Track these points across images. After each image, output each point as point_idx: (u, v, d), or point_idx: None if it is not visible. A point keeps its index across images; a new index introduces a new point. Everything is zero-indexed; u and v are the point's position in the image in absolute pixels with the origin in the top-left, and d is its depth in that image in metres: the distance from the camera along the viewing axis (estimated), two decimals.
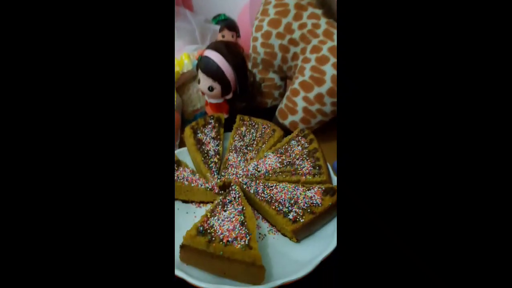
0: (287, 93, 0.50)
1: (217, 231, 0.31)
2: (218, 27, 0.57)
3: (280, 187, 0.38)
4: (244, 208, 0.34)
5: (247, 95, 0.50)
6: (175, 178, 0.38)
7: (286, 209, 0.35)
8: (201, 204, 0.40)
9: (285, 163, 0.42)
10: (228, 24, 0.65)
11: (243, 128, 0.48)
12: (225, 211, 0.34)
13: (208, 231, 0.30)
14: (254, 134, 0.48)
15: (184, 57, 0.50)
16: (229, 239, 0.30)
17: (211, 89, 0.46)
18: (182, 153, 0.45)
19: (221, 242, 0.29)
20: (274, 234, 0.37)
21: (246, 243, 0.29)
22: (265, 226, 0.38)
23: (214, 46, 0.46)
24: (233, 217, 0.32)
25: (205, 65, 0.45)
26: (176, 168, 0.39)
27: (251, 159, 0.44)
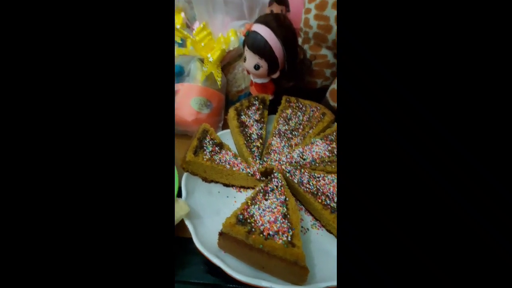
0: None
1: (257, 221, 0.28)
2: (267, 0, 0.53)
3: (328, 178, 0.34)
4: (287, 198, 0.31)
5: (295, 73, 0.46)
6: (217, 161, 0.37)
7: (334, 204, 0.32)
8: (242, 189, 0.38)
9: (335, 152, 0.38)
10: None
11: (289, 111, 0.44)
12: (266, 200, 0.31)
13: (248, 220, 0.29)
14: (301, 118, 0.44)
15: (231, 34, 0.47)
16: (270, 232, 0.27)
17: (257, 67, 0.43)
18: (225, 135, 0.44)
19: (261, 235, 0.27)
20: (318, 229, 0.34)
21: (289, 239, 0.26)
22: (308, 219, 0.35)
23: (263, 19, 0.42)
24: (275, 207, 0.30)
25: (252, 41, 0.42)
26: (218, 151, 0.38)
27: (296, 145, 0.40)
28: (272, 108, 0.46)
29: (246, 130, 0.41)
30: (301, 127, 0.43)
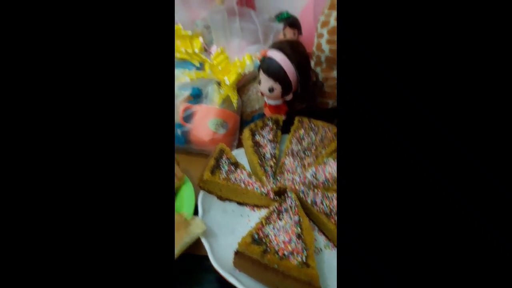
0: None
1: (272, 241, 0.29)
2: (281, 26, 0.56)
3: None
4: (301, 219, 0.32)
5: (308, 95, 0.47)
6: (233, 180, 0.38)
7: None
8: (255, 208, 0.39)
9: None
10: (290, 21, 0.63)
11: (302, 131, 0.46)
12: (280, 219, 0.32)
13: (263, 240, 0.29)
14: (314, 138, 0.45)
15: (247, 58, 0.50)
16: (285, 252, 0.28)
17: (271, 90, 0.45)
18: (239, 154, 0.45)
19: (276, 255, 0.28)
20: (332, 249, 0.34)
21: (304, 260, 0.27)
22: (321, 239, 0.36)
23: (278, 46, 0.44)
24: (289, 227, 0.31)
25: (267, 66, 0.44)
26: (234, 170, 0.40)
27: (309, 165, 0.41)
28: (285, 128, 0.47)
29: (260, 149, 0.43)
30: (314, 147, 0.44)
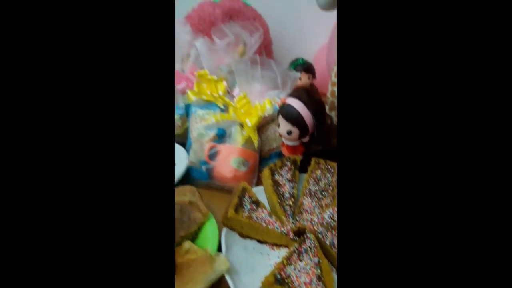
0: None
1: (294, 282, 0.31)
2: (298, 74, 0.61)
3: None
4: (320, 260, 0.34)
5: (323, 138, 0.51)
6: (255, 218, 0.41)
7: None
8: (275, 247, 0.41)
9: None
10: (305, 67, 0.69)
11: (318, 172, 0.48)
12: (301, 260, 0.34)
13: (286, 280, 0.31)
14: (330, 179, 0.47)
15: (267, 103, 0.55)
16: None
17: (289, 133, 0.49)
18: (259, 192, 0.48)
19: None
20: None
21: None
22: None
23: (296, 94, 0.49)
24: (309, 269, 0.32)
25: (286, 112, 0.49)
26: (255, 208, 0.42)
27: (326, 205, 0.44)
28: (302, 167, 0.50)
29: (280, 188, 0.46)
30: (331, 187, 0.46)
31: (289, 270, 0.33)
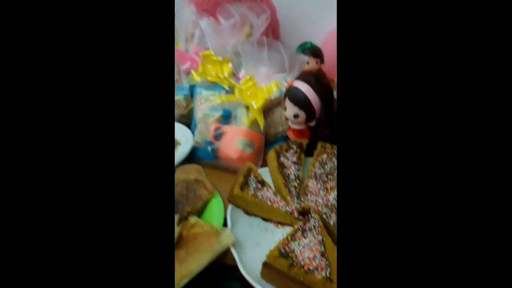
0: None
1: (298, 256, 0.32)
2: (306, 58, 0.61)
3: None
4: (324, 238, 0.35)
5: (330, 123, 0.51)
6: (260, 197, 0.41)
7: None
8: (279, 225, 0.42)
9: None
10: (313, 51, 0.68)
11: (324, 156, 0.49)
12: (305, 237, 0.35)
13: (290, 255, 0.32)
14: (336, 163, 0.48)
15: (274, 85, 0.54)
16: (310, 267, 0.31)
17: (296, 116, 0.49)
18: (264, 173, 0.49)
19: (302, 269, 0.31)
20: None
21: (327, 275, 0.30)
22: None
23: (304, 78, 0.49)
24: (313, 245, 0.34)
25: (293, 95, 0.48)
26: (261, 188, 0.43)
27: (331, 188, 0.44)
28: (308, 151, 0.51)
29: (285, 170, 0.46)
30: (336, 171, 0.47)
31: (293, 245, 0.34)
